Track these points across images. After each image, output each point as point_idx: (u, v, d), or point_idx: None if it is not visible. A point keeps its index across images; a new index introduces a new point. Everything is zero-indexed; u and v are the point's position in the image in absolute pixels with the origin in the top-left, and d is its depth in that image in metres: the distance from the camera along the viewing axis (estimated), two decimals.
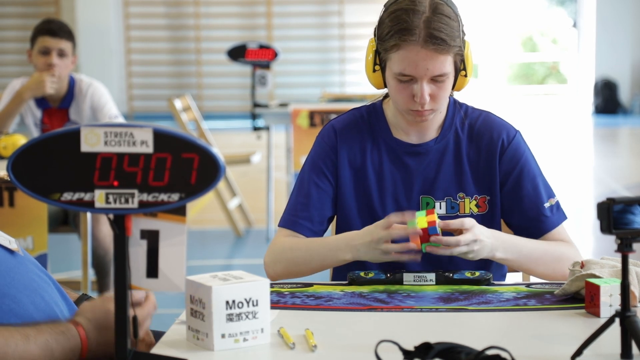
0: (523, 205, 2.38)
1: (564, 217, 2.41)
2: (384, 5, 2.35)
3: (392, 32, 2.27)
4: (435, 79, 2.28)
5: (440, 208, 2.37)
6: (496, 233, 2.27)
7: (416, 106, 2.30)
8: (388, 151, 2.41)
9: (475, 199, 2.38)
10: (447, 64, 2.27)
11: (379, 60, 2.34)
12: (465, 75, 2.34)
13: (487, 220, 2.36)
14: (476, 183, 2.39)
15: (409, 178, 2.39)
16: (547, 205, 2.38)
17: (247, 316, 1.75)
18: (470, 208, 2.38)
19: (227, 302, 1.73)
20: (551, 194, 2.40)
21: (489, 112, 2.45)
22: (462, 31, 2.30)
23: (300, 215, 2.39)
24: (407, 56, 2.26)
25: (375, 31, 2.35)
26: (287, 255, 2.35)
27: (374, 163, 2.40)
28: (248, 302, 1.75)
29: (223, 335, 1.73)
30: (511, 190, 2.38)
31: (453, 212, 2.37)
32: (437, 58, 2.26)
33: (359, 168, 2.40)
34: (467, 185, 2.38)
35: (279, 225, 2.42)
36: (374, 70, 2.35)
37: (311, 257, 2.32)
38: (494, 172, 2.38)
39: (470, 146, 2.40)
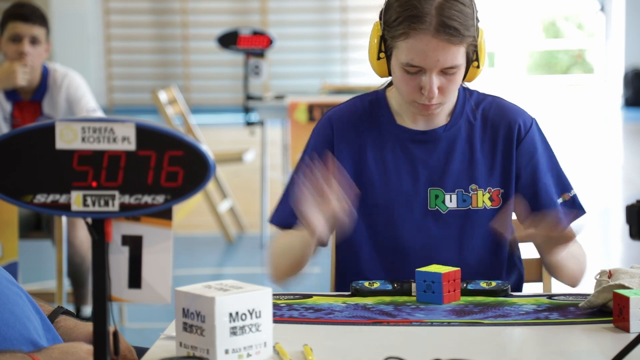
0: (539, 201, 2.41)
1: (582, 212, 2.43)
2: None
3: (400, 19, 2.28)
4: (446, 71, 2.29)
5: (451, 201, 2.39)
6: None
7: (423, 99, 2.32)
8: (392, 140, 2.42)
9: (489, 192, 2.40)
10: (459, 56, 2.29)
11: (384, 47, 2.35)
12: (478, 66, 2.35)
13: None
14: (490, 174, 2.41)
15: (416, 168, 2.41)
16: (560, 201, 2.41)
17: (250, 329, 1.76)
18: (483, 201, 2.40)
19: (231, 314, 1.74)
20: (566, 188, 2.43)
21: (501, 97, 2.48)
22: (477, 18, 2.31)
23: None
24: (416, 46, 2.27)
25: (381, 15, 2.36)
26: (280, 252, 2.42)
27: (375, 154, 2.42)
28: (251, 314, 1.76)
29: (227, 351, 1.74)
30: (527, 185, 2.41)
31: (465, 205, 2.39)
32: (449, 49, 2.27)
33: (359, 160, 2.42)
34: (480, 176, 2.41)
35: (270, 222, 2.46)
36: (379, 58, 2.36)
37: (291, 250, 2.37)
38: (510, 163, 2.41)
39: (484, 134, 2.43)
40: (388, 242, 2.39)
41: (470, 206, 2.39)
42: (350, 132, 2.43)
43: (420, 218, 2.39)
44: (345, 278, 2.41)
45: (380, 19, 2.36)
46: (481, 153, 2.42)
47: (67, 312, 2.09)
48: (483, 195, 2.40)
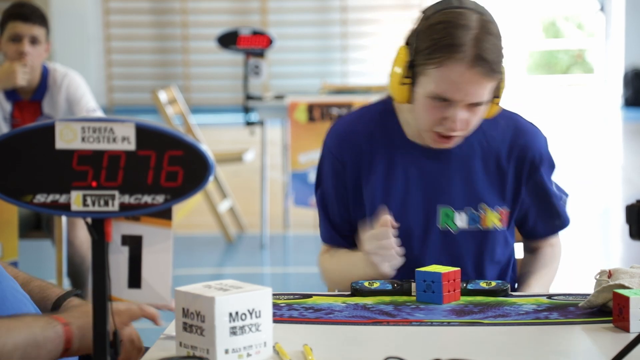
0: (538, 219, 2.47)
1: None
2: (423, 13, 2.29)
3: (435, 47, 2.23)
4: (471, 105, 2.26)
5: (462, 220, 2.37)
6: None
7: (445, 130, 2.28)
8: (402, 155, 2.39)
9: (497, 211, 2.39)
10: (487, 91, 2.26)
11: (409, 73, 2.29)
12: (497, 103, 2.33)
13: (508, 236, 2.41)
14: (500, 194, 2.39)
15: (425, 185, 2.38)
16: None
17: (250, 329, 1.76)
18: (492, 221, 2.38)
19: (231, 314, 1.74)
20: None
21: (518, 115, 2.44)
22: (504, 55, 2.28)
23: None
24: (449, 76, 2.22)
25: (410, 40, 2.30)
26: (328, 276, 2.48)
27: (386, 168, 2.38)
28: (251, 314, 1.76)
29: (227, 351, 1.74)
30: (531, 204, 2.44)
31: (474, 224, 2.38)
32: (481, 83, 2.23)
33: (370, 175, 2.39)
34: (491, 195, 2.38)
35: (324, 241, 2.51)
36: (403, 84, 2.31)
37: (344, 277, 2.39)
38: (520, 185, 2.40)
39: (498, 153, 2.40)
40: None
41: (480, 226, 2.38)
42: (361, 147, 2.40)
43: (429, 236, 2.37)
44: None
45: (407, 44, 2.31)
46: (494, 172, 2.39)
47: (78, 295, 2.10)
48: (492, 214, 2.38)
